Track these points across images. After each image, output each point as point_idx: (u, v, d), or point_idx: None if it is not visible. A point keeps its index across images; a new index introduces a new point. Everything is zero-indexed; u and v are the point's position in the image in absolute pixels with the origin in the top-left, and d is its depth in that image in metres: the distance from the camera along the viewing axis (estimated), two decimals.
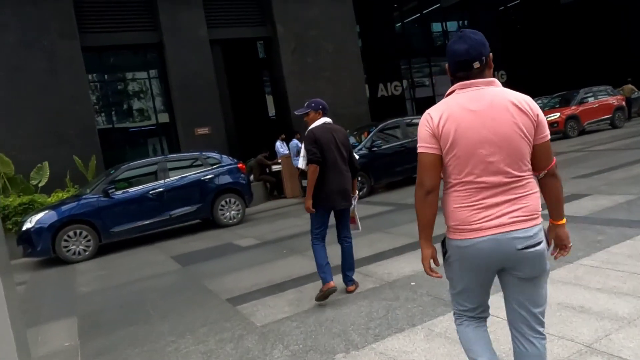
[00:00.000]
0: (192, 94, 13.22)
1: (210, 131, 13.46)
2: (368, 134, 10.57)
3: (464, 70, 1.79)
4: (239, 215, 9.03)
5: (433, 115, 1.79)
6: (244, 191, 9.13)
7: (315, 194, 3.84)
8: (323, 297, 3.81)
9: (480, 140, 1.71)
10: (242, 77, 17.12)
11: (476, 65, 1.77)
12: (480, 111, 1.72)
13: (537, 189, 1.80)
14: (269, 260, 5.77)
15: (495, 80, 1.82)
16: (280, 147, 12.75)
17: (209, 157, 9.06)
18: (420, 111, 25.07)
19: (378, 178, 10.02)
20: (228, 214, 8.91)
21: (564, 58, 26.38)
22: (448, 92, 1.85)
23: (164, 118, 14.20)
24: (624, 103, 16.77)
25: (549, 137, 1.79)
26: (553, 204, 1.88)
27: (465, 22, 27.84)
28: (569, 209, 5.73)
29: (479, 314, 1.96)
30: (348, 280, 4.03)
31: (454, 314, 2.01)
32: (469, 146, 1.72)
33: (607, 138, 13.54)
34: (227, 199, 8.91)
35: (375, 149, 9.99)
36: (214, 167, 8.93)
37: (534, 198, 1.76)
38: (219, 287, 4.96)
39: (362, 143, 10.05)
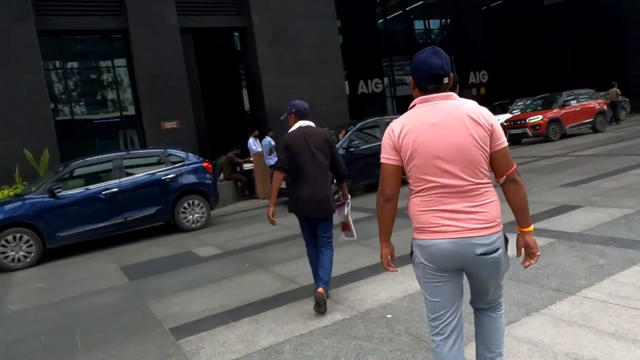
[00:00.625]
0: (160, 86, 12.35)
1: (179, 125, 12.63)
2: (346, 133, 9.96)
3: (436, 84, 1.87)
4: (203, 219, 8.29)
5: (395, 129, 1.91)
6: (209, 192, 8.38)
7: (289, 201, 3.80)
8: (317, 306, 3.54)
9: (438, 150, 1.81)
10: (216, 69, 16.28)
11: (445, 80, 1.87)
12: (438, 123, 1.83)
13: (495, 197, 1.87)
14: (228, 277, 5.07)
15: (453, 94, 1.90)
16: (252, 144, 12.02)
17: (171, 155, 8.27)
18: (401, 109, 24.68)
19: (356, 180, 9.40)
20: (191, 217, 8.16)
21: (547, 60, 26.29)
22: (410, 106, 1.94)
23: (129, 110, 13.28)
24: (605, 107, 16.57)
25: (506, 144, 1.87)
26: (517, 210, 1.92)
27: (449, 20, 27.51)
28: (561, 222, 5.24)
29: (450, 320, 1.94)
30: (322, 282, 3.67)
31: (429, 327, 2.02)
32: (427, 156, 1.83)
33: (590, 143, 13.25)
34: (190, 201, 8.15)
35: (352, 149, 9.37)
36: (176, 165, 8.15)
37: (493, 206, 1.85)
38: (164, 310, 4.25)
39: (339, 143, 9.41)
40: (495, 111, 19.37)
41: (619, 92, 18.61)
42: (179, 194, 8.03)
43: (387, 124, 10.40)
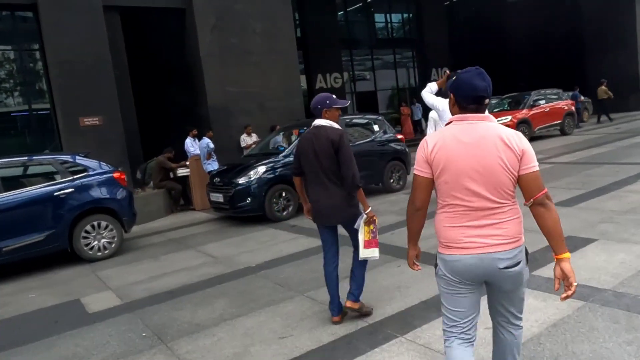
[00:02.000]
0: (78, 74, 10.24)
1: (102, 122, 10.57)
2: (299, 134, 8.36)
3: (477, 104, 1.92)
4: (113, 245, 6.48)
5: (429, 143, 1.97)
6: (121, 211, 6.56)
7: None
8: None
9: (467, 169, 1.87)
10: (149, 57, 14.21)
11: (486, 102, 1.93)
12: (470, 143, 1.88)
13: (518, 215, 1.92)
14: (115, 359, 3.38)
15: (490, 116, 1.96)
16: (190, 145, 10.22)
17: (69, 163, 6.39)
18: (361, 106, 23.44)
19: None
20: (96, 243, 6.33)
21: (509, 57, 25.71)
22: (447, 122, 1.99)
23: (39, 103, 11.10)
24: (573, 108, 15.83)
25: (536, 168, 1.88)
26: (548, 235, 1.92)
27: (410, 15, 26.41)
28: (578, 267, 3.54)
29: (466, 330, 2.01)
30: (350, 292, 3.42)
31: (444, 332, 2.07)
32: (456, 173, 1.89)
33: (562, 147, 12.34)
34: (95, 223, 6.32)
35: None
36: (77, 177, 6.29)
37: (515, 223, 1.91)
38: None
39: (290, 148, 7.82)
40: None
41: (606, 89, 17.54)
42: (78, 214, 6.18)
43: (348, 124, 8.95)
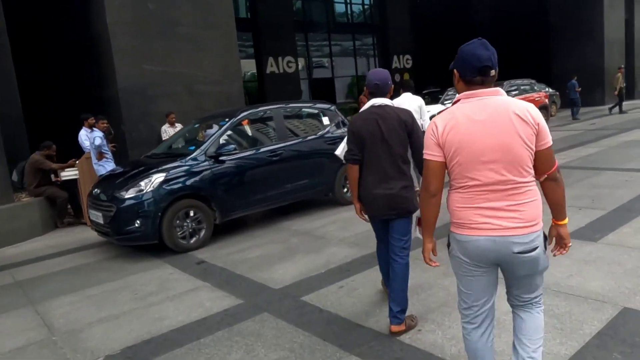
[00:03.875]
0: None
1: None
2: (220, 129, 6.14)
3: (483, 76, 1.83)
4: None
5: (438, 124, 1.86)
6: None
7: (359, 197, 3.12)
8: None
9: (483, 148, 1.78)
10: (40, 25, 11.39)
11: (492, 73, 1.83)
12: (483, 120, 1.79)
13: (537, 196, 1.84)
14: None
15: (500, 89, 1.85)
16: (85, 138, 7.73)
17: None
18: (317, 94, 21.28)
19: (228, 209, 5.65)
20: None
21: None
22: (454, 100, 1.90)
23: None
24: (547, 101, 14.41)
25: (551, 143, 1.83)
26: (554, 206, 1.94)
27: None
28: None
29: (482, 311, 1.98)
30: (392, 315, 2.92)
31: (461, 315, 2.05)
32: (471, 154, 1.80)
33: None
34: None
35: (225, 157, 5.59)
36: None
37: (534, 206, 1.82)
38: None
39: (203, 147, 5.59)
40: (425, 101, 16.60)
41: (621, 78, 15.88)
42: None
43: (288, 116, 6.71)
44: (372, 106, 3.00)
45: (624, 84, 16.07)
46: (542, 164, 1.81)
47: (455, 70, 1.88)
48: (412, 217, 2.97)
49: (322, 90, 21.21)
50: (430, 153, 1.88)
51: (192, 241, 5.31)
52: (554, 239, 1.99)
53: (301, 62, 21.34)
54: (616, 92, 15.95)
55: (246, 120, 6.13)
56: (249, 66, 19.88)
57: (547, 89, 16.77)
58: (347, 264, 4.31)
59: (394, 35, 23.28)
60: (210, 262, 4.84)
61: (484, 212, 1.80)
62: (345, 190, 6.73)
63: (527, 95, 13.74)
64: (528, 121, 1.75)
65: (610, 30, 21.13)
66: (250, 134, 6.12)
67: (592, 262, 3.70)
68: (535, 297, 1.97)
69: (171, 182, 5.20)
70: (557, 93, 18.65)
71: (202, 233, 5.38)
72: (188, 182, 5.28)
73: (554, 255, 1.97)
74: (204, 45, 10.44)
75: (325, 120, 6.77)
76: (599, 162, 7.95)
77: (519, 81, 14.41)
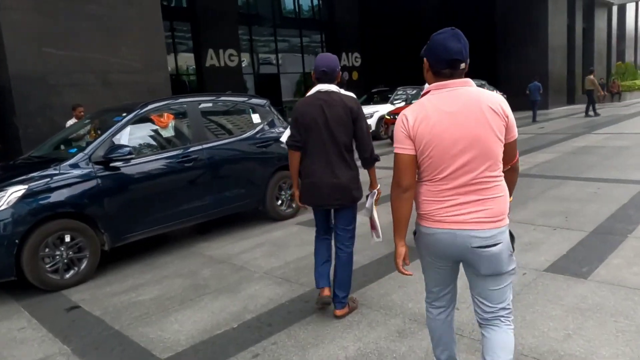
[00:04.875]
0: None
1: None
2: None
3: (452, 69, 1.77)
4: None
5: (408, 117, 1.79)
6: None
7: (301, 188, 3.06)
8: (319, 302, 3.02)
9: (454, 141, 1.72)
10: None
11: (463, 66, 1.77)
12: (454, 112, 1.73)
13: (505, 192, 1.79)
14: None
15: (470, 80, 1.80)
16: None
17: None
18: (261, 90, 19.95)
19: (122, 231, 4.33)
20: None
21: (426, 42, 23.90)
22: (423, 92, 1.85)
23: None
24: None
25: (517, 135, 1.82)
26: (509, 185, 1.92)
27: None
28: None
29: (445, 299, 1.98)
30: (337, 301, 2.98)
31: (426, 302, 2.05)
32: (442, 147, 1.73)
33: None
34: None
35: (119, 163, 4.27)
36: None
37: (501, 201, 1.77)
38: None
39: (87, 150, 4.25)
40: (374, 100, 15.81)
41: (594, 80, 16.15)
42: None
43: (207, 112, 5.03)
44: (319, 92, 2.90)
45: (596, 87, 16.29)
46: (507, 154, 1.80)
47: (425, 59, 1.82)
48: (356, 206, 2.95)
49: (268, 87, 19.95)
50: (401, 146, 1.80)
51: (67, 275, 3.96)
52: None
53: (245, 56, 19.98)
54: (601, 94, 16.76)
55: (154, 116, 4.84)
56: (188, 59, 18.35)
57: (495, 91, 16.46)
58: (268, 313, 3.17)
59: (342, 32, 22.49)
60: (86, 307, 3.54)
61: (449, 206, 1.76)
62: (280, 202, 5.59)
63: None
64: (499, 114, 1.71)
65: (554, 36, 21.37)
66: (155, 133, 4.82)
67: (590, 313, 2.79)
68: (503, 309, 1.85)
69: (37, 198, 3.83)
70: (505, 95, 18.50)
71: (84, 264, 4.03)
72: (62, 197, 3.93)
73: None
74: (123, 29, 8.97)
75: (256, 117, 5.59)
76: (559, 170, 7.30)
77: (474, 82, 13.90)
